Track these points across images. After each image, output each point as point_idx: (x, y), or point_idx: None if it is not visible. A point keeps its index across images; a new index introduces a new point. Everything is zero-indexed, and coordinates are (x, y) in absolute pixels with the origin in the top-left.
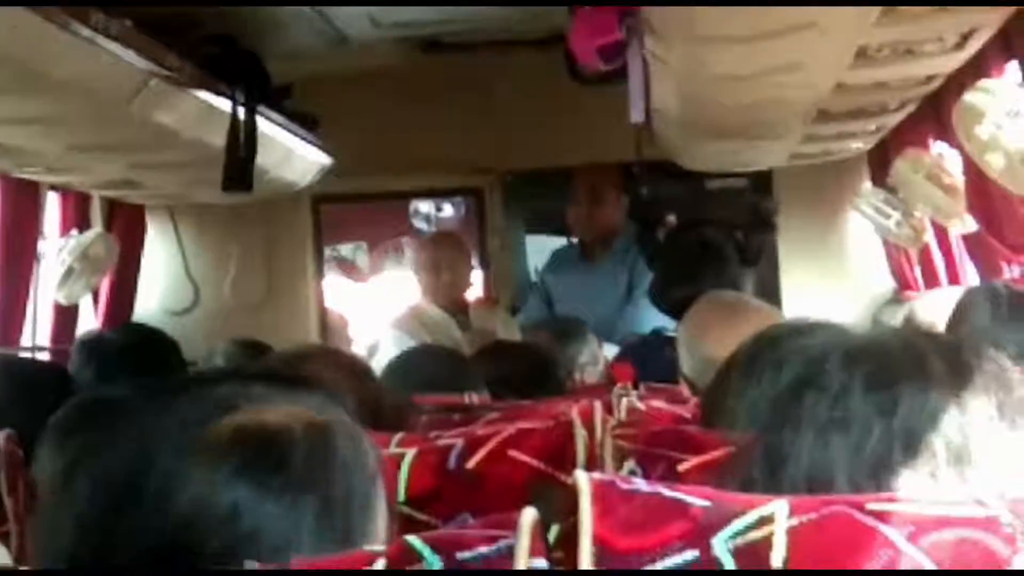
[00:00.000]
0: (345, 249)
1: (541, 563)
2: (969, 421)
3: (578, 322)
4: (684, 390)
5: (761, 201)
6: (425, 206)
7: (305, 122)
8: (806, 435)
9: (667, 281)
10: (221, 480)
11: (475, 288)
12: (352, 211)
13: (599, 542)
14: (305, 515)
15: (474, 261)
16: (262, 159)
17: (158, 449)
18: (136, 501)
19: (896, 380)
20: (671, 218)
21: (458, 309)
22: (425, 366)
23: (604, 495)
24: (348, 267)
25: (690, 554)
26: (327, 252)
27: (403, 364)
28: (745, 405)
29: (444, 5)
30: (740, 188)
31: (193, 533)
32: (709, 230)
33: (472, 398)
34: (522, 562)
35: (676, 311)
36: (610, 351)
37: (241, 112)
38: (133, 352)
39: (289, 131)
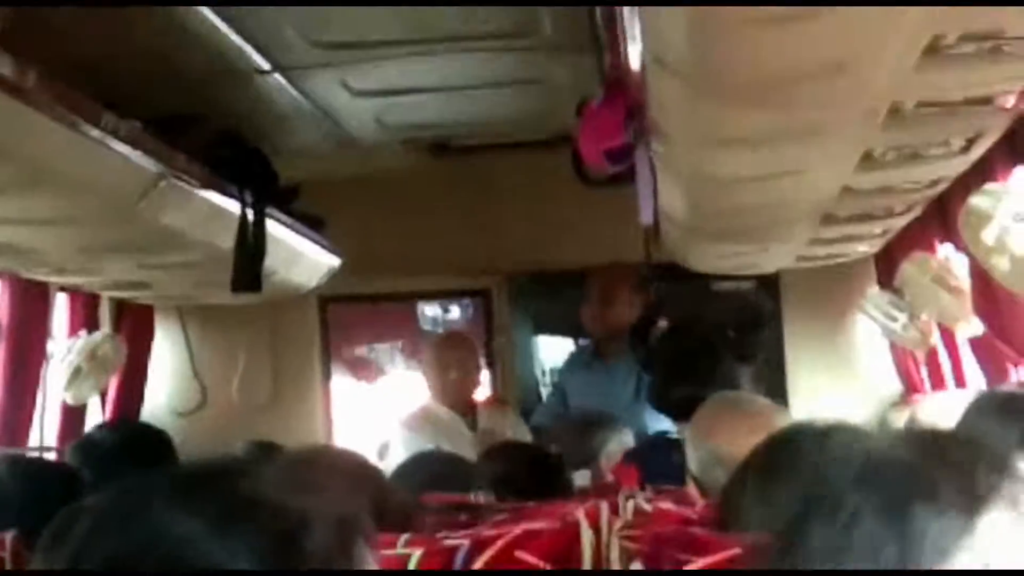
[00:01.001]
0: (355, 350)
1: None
2: (983, 547)
3: (608, 413)
4: (691, 491)
5: (752, 298)
6: (432, 307)
7: (313, 223)
8: (816, 558)
9: (665, 383)
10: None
11: (483, 388)
12: (359, 311)
13: None
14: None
15: (481, 361)
16: (270, 260)
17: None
18: None
19: (908, 506)
20: (662, 322)
21: (467, 409)
22: (431, 471)
23: None
24: (356, 367)
25: None
26: (338, 352)
27: (409, 469)
28: (761, 515)
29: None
30: (747, 290)
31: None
32: (702, 330)
33: (478, 497)
34: None
35: (676, 412)
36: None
37: (250, 213)
38: (126, 451)
39: (297, 232)
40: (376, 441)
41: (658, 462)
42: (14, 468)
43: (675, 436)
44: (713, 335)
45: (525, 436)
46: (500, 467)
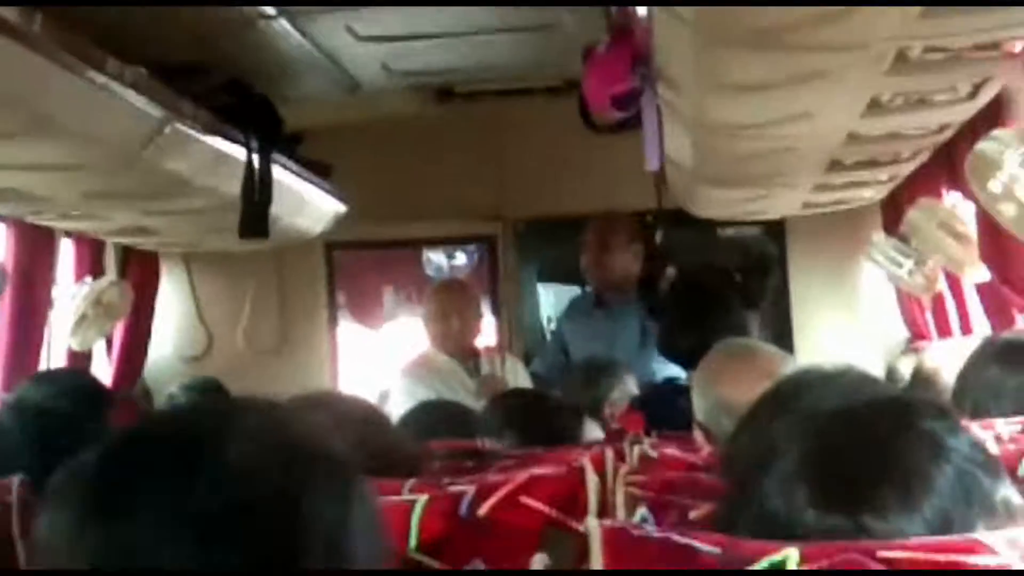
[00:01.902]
0: (360, 295)
1: None
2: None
3: (613, 361)
4: (697, 437)
5: (758, 244)
6: (437, 254)
7: (319, 169)
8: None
9: (673, 330)
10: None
11: (487, 335)
12: (365, 258)
13: None
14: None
15: (484, 308)
16: (275, 206)
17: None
18: None
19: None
20: (671, 269)
21: (468, 356)
22: (436, 419)
23: (615, 542)
24: (362, 313)
25: None
26: (343, 298)
27: (413, 418)
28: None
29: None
30: (753, 236)
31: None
32: (709, 277)
33: (484, 444)
34: None
35: (684, 359)
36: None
37: (255, 159)
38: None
39: (303, 178)
40: (377, 389)
41: (664, 409)
42: (20, 413)
43: (683, 383)
44: (721, 281)
45: (526, 383)
46: (505, 414)
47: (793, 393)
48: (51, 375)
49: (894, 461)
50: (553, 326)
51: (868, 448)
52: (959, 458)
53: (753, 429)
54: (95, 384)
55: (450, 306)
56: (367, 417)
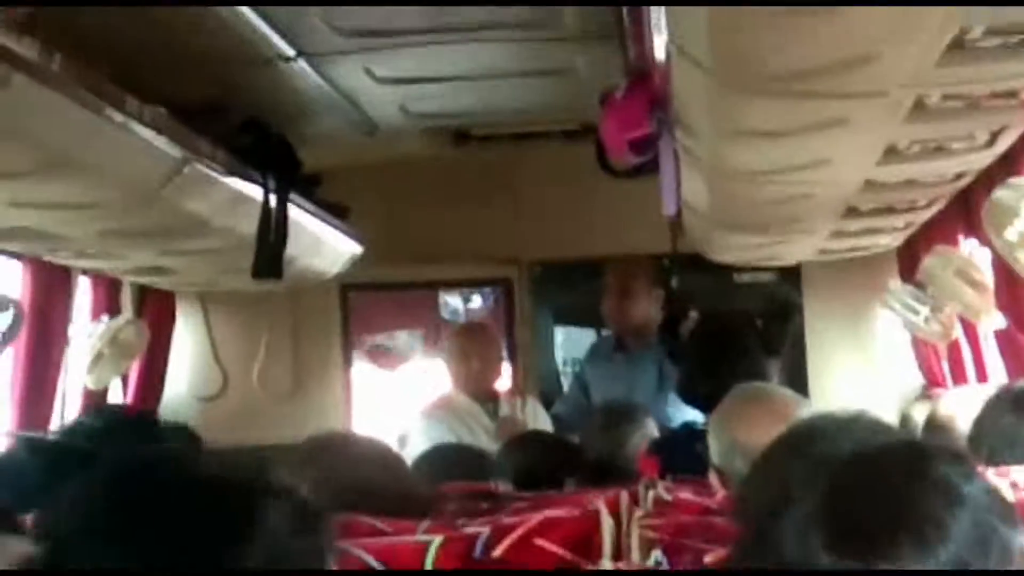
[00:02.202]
0: (375, 337)
1: None
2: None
3: (633, 405)
4: (713, 481)
5: (778, 291)
6: (453, 297)
7: (335, 210)
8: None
9: (693, 375)
10: None
11: (504, 378)
12: (381, 299)
13: None
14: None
15: (503, 351)
16: (292, 247)
17: None
18: None
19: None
20: (693, 313)
21: (487, 398)
22: (451, 461)
23: None
24: (377, 355)
25: None
26: (359, 340)
27: (429, 459)
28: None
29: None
30: (769, 281)
31: None
32: (731, 322)
33: (498, 486)
34: None
35: (703, 404)
36: None
37: (272, 199)
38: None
39: (319, 219)
40: (396, 430)
41: (681, 453)
42: (35, 451)
43: (700, 427)
44: (743, 327)
45: (546, 426)
46: (523, 457)
47: (807, 438)
48: (99, 410)
49: (909, 507)
50: (569, 369)
51: (883, 494)
52: (975, 505)
53: (767, 473)
54: (121, 421)
55: (471, 347)
56: (382, 459)
